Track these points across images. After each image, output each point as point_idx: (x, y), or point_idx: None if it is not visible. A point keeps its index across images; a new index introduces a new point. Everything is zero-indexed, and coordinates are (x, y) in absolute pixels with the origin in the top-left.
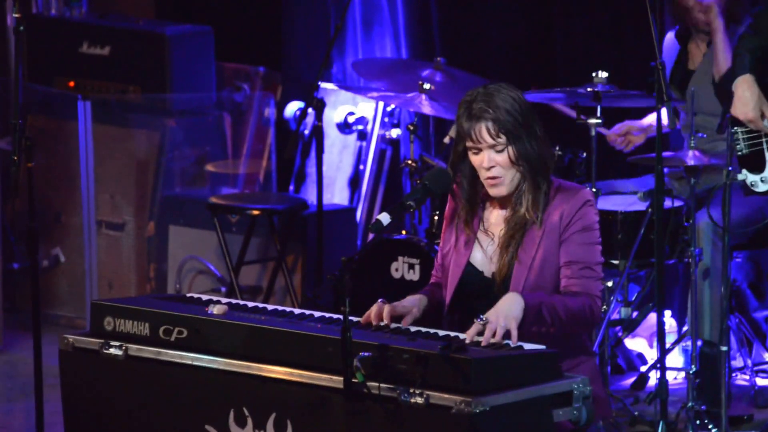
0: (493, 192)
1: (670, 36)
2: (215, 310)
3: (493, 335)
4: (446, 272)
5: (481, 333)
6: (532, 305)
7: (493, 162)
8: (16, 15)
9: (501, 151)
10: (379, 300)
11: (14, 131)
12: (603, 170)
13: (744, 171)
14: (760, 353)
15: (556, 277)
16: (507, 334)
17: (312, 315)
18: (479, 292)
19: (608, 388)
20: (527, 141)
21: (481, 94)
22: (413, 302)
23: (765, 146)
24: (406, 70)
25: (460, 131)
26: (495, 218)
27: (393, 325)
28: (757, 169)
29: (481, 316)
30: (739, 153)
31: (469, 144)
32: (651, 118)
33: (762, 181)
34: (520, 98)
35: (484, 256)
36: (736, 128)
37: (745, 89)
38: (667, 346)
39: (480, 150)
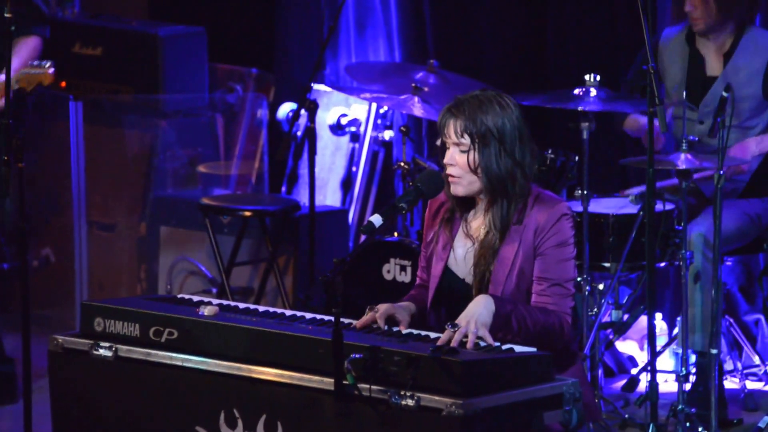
0: (450, 190)
1: (674, 34)
2: (206, 311)
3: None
4: (428, 271)
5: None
6: (502, 312)
7: (454, 161)
8: (8, 15)
9: (464, 152)
10: (370, 305)
11: (5, 131)
12: (594, 173)
13: None
14: (750, 356)
15: (529, 289)
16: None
17: (303, 316)
18: (458, 295)
19: (599, 391)
20: (495, 156)
21: (474, 97)
22: (405, 310)
23: None
24: (399, 73)
25: (438, 122)
26: (477, 220)
27: (384, 327)
28: None
29: (450, 324)
30: None
31: (441, 137)
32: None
33: None
34: (512, 119)
35: (462, 263)
36: None
37: None
38: (658, 348)
39: (448, 146)
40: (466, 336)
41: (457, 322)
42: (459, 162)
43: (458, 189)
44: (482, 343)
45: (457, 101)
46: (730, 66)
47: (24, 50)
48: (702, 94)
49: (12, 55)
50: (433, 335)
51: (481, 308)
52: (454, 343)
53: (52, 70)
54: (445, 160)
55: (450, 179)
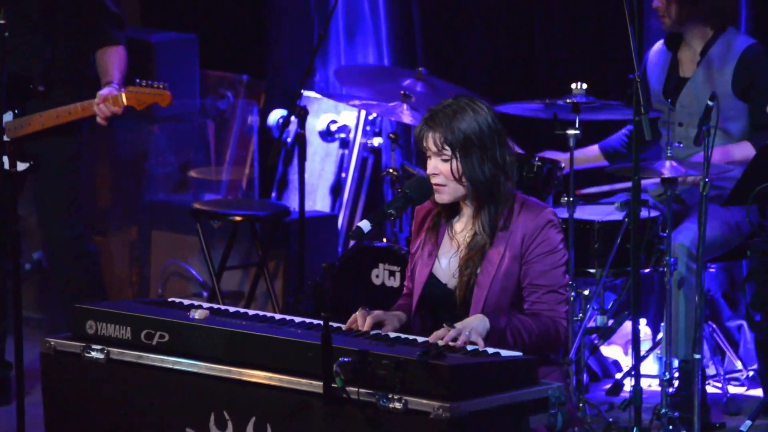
0: (436, 198)
1: (658, 44)
2: (197, 314)
3: (455, 341)
4: (413, 279)
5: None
6: (497, 328)
7: (437, 170)
8: (2, 21)
9: (446, 161)
10: (360, 308)
11: None
12: (580, 180)
13: None
14: (732, 362)
15: (515, 294)
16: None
17: (293, 320)
18: (442, 302)
19: (583, 395)
20: (478, 162)
21: (447, 107)
22: (394, 318)
23: None
24: (388, 80)
25: (416, 134)
26: (462, 225)
27: (373, 332)
28: None
29: (447, 324)
30: None
31: (421, 149)
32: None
33: None
34: (487, 121)
35: (447, 268)
36: None
37: None
38: (642, 353)
39: (429, 156)
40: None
41: (455, 325)
42: (442, 171)
43: (444, 197)
44: (470, 347)
45: (432, 113)
46: (703, 66)
47: (118, 62)
48: (676, 96)
49: (107, 66)
50: (420, 339)
51: (477, 322)
52: (446, 339)
53: (169, 91)
54: (429, 170)
55: (435, 187)
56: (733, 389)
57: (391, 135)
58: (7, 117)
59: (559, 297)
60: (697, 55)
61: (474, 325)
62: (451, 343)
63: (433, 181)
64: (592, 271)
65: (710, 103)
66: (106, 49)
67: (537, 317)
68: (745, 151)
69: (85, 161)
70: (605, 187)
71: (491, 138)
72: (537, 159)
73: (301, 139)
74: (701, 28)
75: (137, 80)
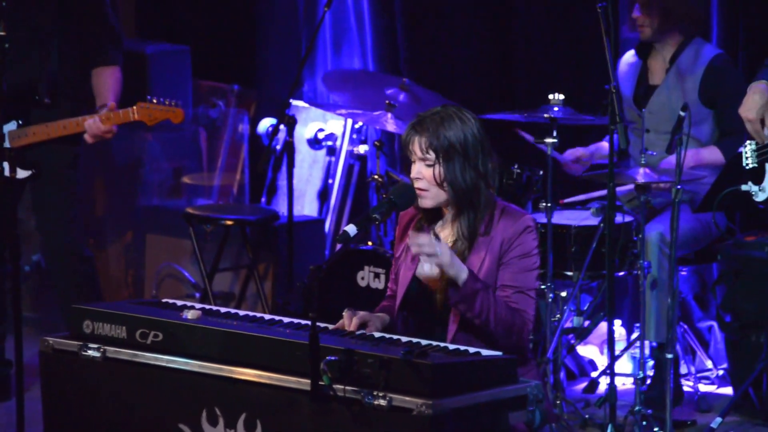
0: (419, 202)
1: (629, 54)
2: (189, 315)
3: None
4: (397, 281)
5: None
6: (471, 286)
7: (420, 174)
8: (2, 33)
9: (429, 167)
10: (347, 309)
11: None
12: (558, 187)
13: (750, 183)
14: (703, 361)
15: None
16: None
17: (281, 321)
18: (424, 302)
19: (561, 393)
20: (460, 169)
21: (435, 114)
22: (378, 319)
23: (767, 161)
24: (373, 90)
25: (402, 139)
26: (444, 230)
27: (358, 332)
28: (758, 180)
29: (436, 234)
30: (747, 167)
31: (407, 153)
32: (596, 144)
33: (761, 191)
34: (473, 131)
35: (430, 271)
36: (745, 144)
37: (755, 92)
38: (617, 353)
39: (414, 161)
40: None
41: (440, 243)
42: (425, 176)
43: (426, 202)
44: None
45: (420, 118)
46: (671, 74)
47: (113, 84)
48: (645, 103)
49: (102, 89)
50: (404, 339)
51: (458, 266)
52: (413, 240)
53: (180, 109)
54: (412, 175)
55: (418, 192)
56: (704, 387)
57: (376, 143)
58: (12, 126)
59: (528, 299)
60: (666, 62)
61: (451, 260)
62: (419, 244)
63: (416, 185)
64: (569, 273)
65: (682, 113)
66: (103, 70)
67: (511, 310)
68: (714, 155)
69: (82, 169)
70: (582, 196)
71: (474, 147)
72: (516, 167)
73: (289, 147)
74: (675, 37)
75: (149, 97)
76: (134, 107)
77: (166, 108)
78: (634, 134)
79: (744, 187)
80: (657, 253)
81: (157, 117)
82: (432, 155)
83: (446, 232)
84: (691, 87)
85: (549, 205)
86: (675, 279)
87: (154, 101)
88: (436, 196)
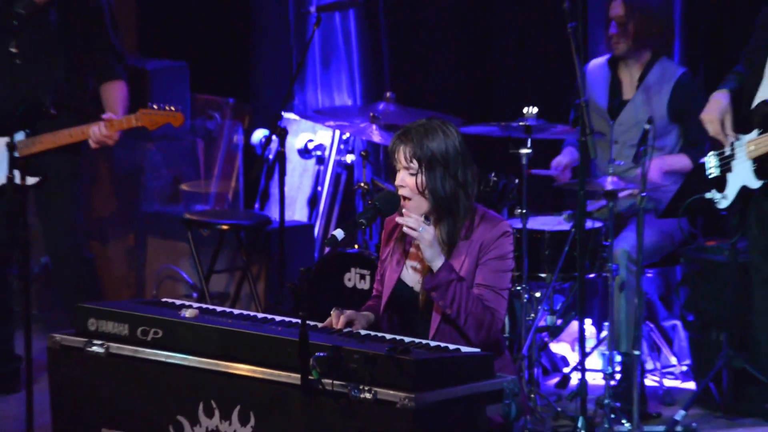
0: (403, 210)
1: (598, 62)
2: (187, 313)
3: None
4: (383, 283)
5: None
6: (445, 276)
7: (404, 182)
8: (14, 50)
9: (413, 175)
10: (334, 308)
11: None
12: (532, 194)
13: (713, 191)
14: (667, 357)
15: None
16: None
17: (273, 319)
18: (408, 303)
19: (535, 387)
20: (441, 179)
21: (421, 125)
22: (364, 318)
23: (729, 171)
24: (359, 104)
25: (389, 148)
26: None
27: (345, 329)
28: (721, 189)
29: (426, 220)
30: (711, 176)
31: (392, 162)
32: (567, 149)
33: (723, 198)
34: (454, 143)
35: (413, 273)
36: (710, 154)
37: (716, 99)
38: (587, 350)
39: (398, 169)
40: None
41: (430, 223)
42: (408, 184)
43: (409, 209)
44: (422, 341)
45: (406, 129)
46: (641, 90)
47: (121, 97)
48: (617, 115)
49: (110, 101)
50: (388, 336)
51: (436, 248)
52: (402, 220)
53: (180, 113)
54: (396, 182)
55: (401, 200)
56: (668, 382)
57: (362, 153)
58: (20, 136)
59: (500, 298)
60: (635, 79)
61: (431, 244)
62: (405, 220)
63: (400, 192)
64: (543, 275)
65: (647, 126)
66: (110, 84)
67: (485, 306)
68: (681, 161)
69: (84, 177)
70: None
71: (455, 159)
72: (493, 175)
73: (281, 156)
74: (645, 55)
75: (150, 104)
76: (136, 113)
77: (167, 112)
78: (599, 147)
79: (708, 195)
80: (624, 263)
81: (158, 121)
82: (415, 164)
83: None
84: (660, 102)
85: (524, 211)
86: (641, 282)
87: (155, 107)
88: (417, 203)
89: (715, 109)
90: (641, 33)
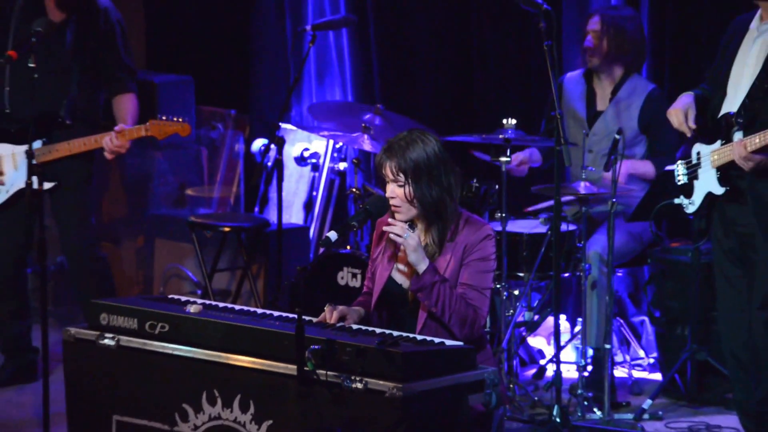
0: (395, 217)
1: (574, 74)
2: (192, 309)
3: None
4: (373, 280)
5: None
6: (429, 278)
7: (394, 194)
8: (32, 65)
9: (401, 186)
10: (328, 304)
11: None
12: (511, 199)
13: (681, 197)
14: (636, 351)
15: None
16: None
17: (272, 314)
18: (397, 299)
19: (514, 378)
20: (426, 186)
21: (402, 139)
22: (355, 312)
23: (696, 178)
24: (351, 114)
25: (376, 162)
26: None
27: (339, 324)
28: (688, 195)
29: (411, 226)
30: (679, 183)
31: (380, 175)
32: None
33: (690, 204)
34: (434, 152)
35: (403, 272)
36: (679, 163)
37: (684, 96)
38: (562, 344)
39: (387, 182)
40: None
41: (411, 232)
42: (398, 194)
43: (401, 216)
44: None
45: (389, 145)
46: (614, 103)
47: (131, 109)
48: (591, 125)
49: (121, 113)
50: (378, 331)
51: (420, 252)
52: (386, 226)
53: (187, 124)
54: (387, 194)
55: (393, 208)
56: (636, 374)
57: (354, 160)
58: (38, 144)
59: (483, 296)
60: (608, 92)
61: (417, 249)
62: (393, 226)
63: (391, 202)
64: (521, 274)
65: (617, 136)
66: (121, 97)
67: (466, 303)
68: (646, 167)
69: (96, 182)
70: (543, 204)
71: (437, 165)
72: (475, 181)
73: (279, 164)
74: (618, 70)
75: (159, 115)
76: (146, 124)
77: (175, 123)
78: (573, 155)
79: (677, 201)
80: (596, 264)
81: (167, 131)
82: (402, 176)
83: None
84: (631, 115)
85: (504, 215)
86: (612, 281)
87: (164, 118)
88: (408, 211)
89: (680, 104)
90: (614, 49)
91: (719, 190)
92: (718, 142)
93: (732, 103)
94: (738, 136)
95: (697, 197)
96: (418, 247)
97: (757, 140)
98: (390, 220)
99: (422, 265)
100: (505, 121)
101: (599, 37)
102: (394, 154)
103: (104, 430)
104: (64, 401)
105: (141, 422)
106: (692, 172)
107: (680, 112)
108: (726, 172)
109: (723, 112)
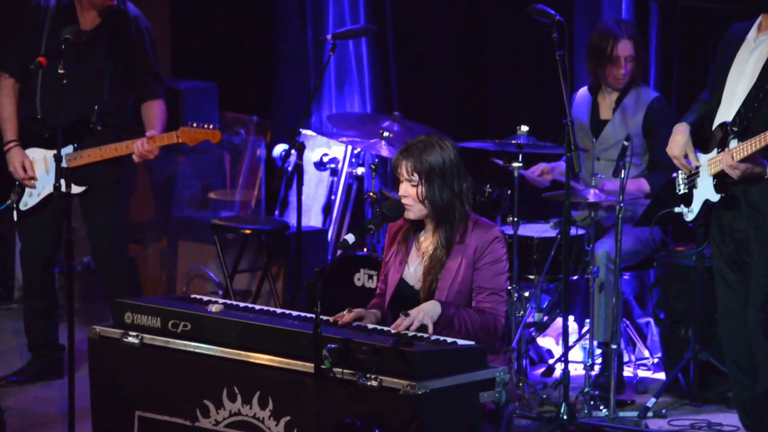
0: (405, 214)
1: (582, 90)
2: (213, 308)
3: (410, 327)
4: (386, 282)
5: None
6: (446, 314)
7: (406, 192)
8: (61, 71)
9: (414, 186)
10: (348, 309)
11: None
12: (523, 204)
13: (681, 205)
14: (641, 351)
15: (469, 296)
16: (424, 329)
17: (290, 314)
18: (409, 301)
19: (523, 377)
20: (438, 189)
21: (420, 141)
22: (372, 314)
23: (695, 187)
24: (369, 121)
25: (392, 161)
26: (426, 240)
27: (355, 324)
28: (688, 204)
29: (404, 312)
30: (679, 192)
31: (396, 174)
32: (557, 162)
33: (689, 212)
34: (450, 158)
35: (414, 273)
36: (677, 174)
37: (677, 134)
38: (570, 344)
39: (402, 181)
40: (412, 323)
41: (409, 312)
42: (411, 193)
43: (410, 214)
44: (425, 335)
45: (407, 145)
46: (618, 112)
47: (160, 114)
48: (597, 134)
49: (151, 118)
50: (393, 331)
51: (430, 307)
52: (401, 328)
53: (217, 131)
54: (400, 192)
55: (405, 206)
56: (641, 373)
57: (371, 165)
58: (68, 149)
59: (500, 299)
60: (612, 101)
61: (426, 310)
62: (405, 330)
63: (403, 201)
64: (532, 277)
65: (626, 143)
66: (150, 103)
67: (482, 312)
68: (641, 185)
69: (124, 186)
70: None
71: (451, 171)
72: (488, 186)
73: (299, 168)
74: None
75: (189, 122)
76: (177, 130)
77: (206, 130)
78: (585, 160)
79: (677, 209)
80: (604, 266)
81: (198, 138)
82: (416, 177)
83: (427, 241)
84: (636, 123)
85: (515, 219)
86: (619, 283)
87: (195, 125)
88: (418, 210)
89: (676, 146)
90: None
91: (715, 197)
92: (715, 151)
93: (727, 112)
94: (733, 144)
95: (696, 205)
96: (430, 310)
97: (742, 149)
98: (406, 319)
99: (437, 310)
100: (518, 127)
101: (633, 60)
102: (410, 154)
103: (127, 426)
104: (88, 397)
105: (163, 418)
106: (691, 181)
107: (680, 157)
108: (721, 179)
109: (718, 121)
